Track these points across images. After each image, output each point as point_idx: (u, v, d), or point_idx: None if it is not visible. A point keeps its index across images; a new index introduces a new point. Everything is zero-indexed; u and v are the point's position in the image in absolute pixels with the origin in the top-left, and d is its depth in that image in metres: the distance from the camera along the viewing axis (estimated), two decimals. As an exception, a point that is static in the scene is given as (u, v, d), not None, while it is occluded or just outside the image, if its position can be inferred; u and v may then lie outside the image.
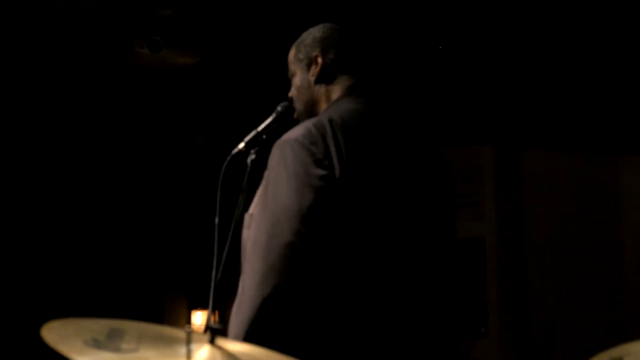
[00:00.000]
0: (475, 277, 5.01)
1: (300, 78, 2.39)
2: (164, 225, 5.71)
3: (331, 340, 2.03)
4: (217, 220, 2.31)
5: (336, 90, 2.32)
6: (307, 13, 4.33)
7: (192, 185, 5.81)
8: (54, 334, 1.41)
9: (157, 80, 5.48)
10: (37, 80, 5.21)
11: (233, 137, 2.68)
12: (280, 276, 1.98)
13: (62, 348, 1.37)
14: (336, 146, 2.09)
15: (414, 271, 2.16)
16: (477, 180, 5.16)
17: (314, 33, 2.40)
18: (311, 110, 2.36)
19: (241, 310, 2.04)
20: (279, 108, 2.43)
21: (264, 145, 2.38)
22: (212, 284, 2.26)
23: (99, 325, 1.45)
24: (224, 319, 2.19)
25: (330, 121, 2.14)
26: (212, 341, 1.46)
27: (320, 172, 2.06)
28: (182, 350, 1.44)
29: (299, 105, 2.40)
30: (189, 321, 5.62)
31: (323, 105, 2.33)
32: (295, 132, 2.14)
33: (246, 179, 2.31)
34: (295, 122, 2.43)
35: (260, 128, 2.39)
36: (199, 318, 5.58)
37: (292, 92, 2.42)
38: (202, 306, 5.59)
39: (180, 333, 1.51)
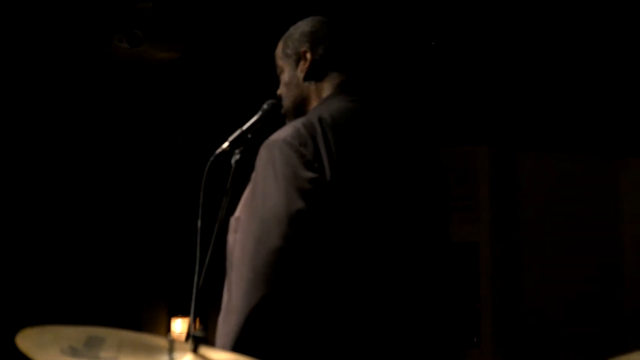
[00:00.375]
0: (468, 284, 5.02)
1: (288, 75, 2.38)
2: (143, 229, 5.69)
3: (321, 349, 2.04)
4: (199, 223, 2.31)
5: (326, 88, 2.31)
6: (296, 6, 4.33)
7: (172, 186, 5.80)
8: (29, 341, 1.40)
9: (136, 76, 5.46)
10: (9, 74, 5.19)
11: (216, 137, 2.68)
12: (269, 284, 1.98)
13: (38, 357, 1.37)
14: (326, 147, 2.08)
15: (407, 278, 2.16)
16: (472, 182, 5.17)
17: (302, 27, 2.39)
18: (300, 108, 2.35)
19: (229, 319, 2.03)
20: (265, 106, 2.42)
21: (249, 144, 2.38)
22: (194, 290, 2.25)
23: (77, 333, 1.45)
24: (205, 327, 2.19)
25: (320, 120, 2.12)
26: (194, 350, 1.47)
27: (310, 174, 2.04)
28: (164, 359, 1.44)
29: (287, 103, 2.39)
30: (168, 329, 5.60)
31: (313, 103, 2.32)
32: (283, 133, 2.12)
33: (230, 180, 2.31)
34: (282, 121, 2.43)
35: (245, 127, 2.38)
36: (179, 325, 5.57)
37: (281, 89, 2.41)
38: (183, 313, 5.58)
39: (161, 341, 1.51)
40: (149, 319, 5.63)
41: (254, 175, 2.15)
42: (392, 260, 2.13)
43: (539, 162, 5.29)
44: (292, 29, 2.41)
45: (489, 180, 5.17)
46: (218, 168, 2.35)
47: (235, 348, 1.97)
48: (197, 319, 2.24)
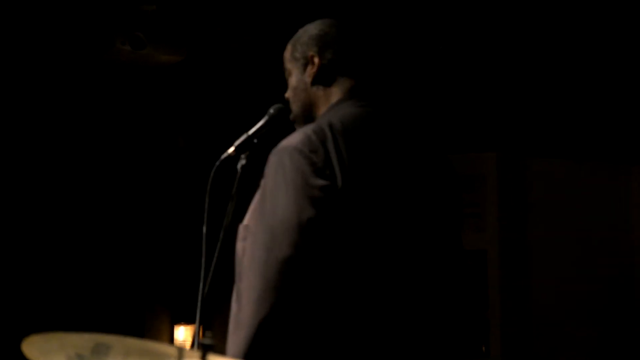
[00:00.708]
0: (476, 293, 5.02)
1: (296, 79, 2.37)
2: (145, 235, 5.69)
3: (332, 358, 2.04)
4: (205, 229, 2.32)
5: (335, 93, 2.30)
6: (302, 8, 4.33)
7: (173, 191, 5.80)
8: (35, 348, 1.41)
9: (139, 79, 5.47)
10: (10, 76, 5.19)
11: (219, 142, 2.69)
12: (279, 293, 1.98)
13: (45, 364, 1.38)
14: (337, 154, 2.07)
15: (417, 287, 2.15)
16: (480, 189, 5.17)
17: (311, 30, 2.37)
18: (308, 113, 2.35)
19: (239, 329, 2.03)
20: (271, 110, 2.42)
21: (255, 149, 2.38)
22: (200, 298, 2.26)
23: (84, 340, 1.45)
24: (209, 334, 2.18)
25: (331, 126, 2.11)
26: (203, 358, 1.47)
27: (321, 182, 2.04)
28: (171, 367, 1.44)
29: (295, 108, 2.38)
30: (171, 336, 5.61)
31: (321, 108, 2.31)
32: (293, 139, 2.11)
33: (236, 186, 2.32)
34: (289, 126, 2.43)
35: (251, 132, 2.39)
36: (182, 333, 5.58)
37: (289, 93, 2.41)
38: (186, 320, 5.58)
39: (167, 349, 1.51)
40: (151, 326, 5.64)
41: (263, 182, 2.14)
42: (403, 269, 2.13)
43: (548, 169, 5.28)
44: (300, 32, 2.40)
45: (497, 187, 5.17)
46: (223, 173, 2.36)
47: (246, 358, 1.97)
48: (201, 327, 2.25)
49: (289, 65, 2.40)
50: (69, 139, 5.42)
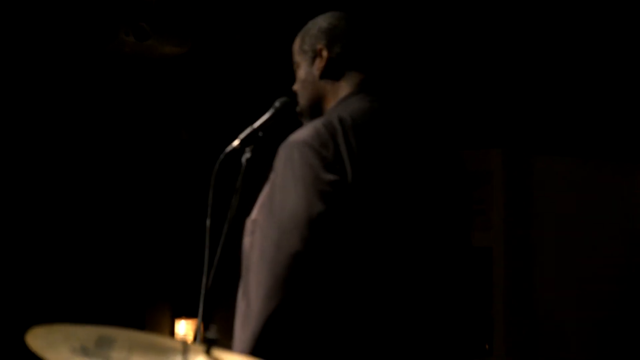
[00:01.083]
0: (480, 291, 5.02)
1: (304, 71, 2.37)
2: (147, 228, 5.70)
3: (340, 355, 2.04)
4: (208, 222, 2.32)
5: (344, 87, 2.30)
6: (307, 1, 4.34)
7: (176, 185, 5.81)
8: (39, 340, 1.41)
9: (142, 70, 5.47)
10: (13, 69, 5.20)
11: (224, 135, 2.69)
12: (288, 289, 1.98)
13: (49, 356, 1.38)
14: (348, 148, 2.07)
15: (426, 285, 2.16)
16: (485, 187, 5.17)
17: (320, 23, 2.38)
18: (316, 107, 2.35)
19: (247, 325, 2.03)
20: (276, 104, 2.42)
21: (260, 143, 2.38)
22: (203, 292, 2.27)
23: (88, 333, 1.46)
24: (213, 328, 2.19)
25: (341, 121, 2.12)
26: (208, 352, 1.48)
27: (331, 177, 2.04)
28: (176, 360, 1.45)
29: (302, 101, 2.39)
30: (172, 330, 5.62)
31: (329, 102, 2.32)
32: (303, 133, 2.12)
33: (240, 179, 2.32)
34: (294, 119, 2.44)
35: (256, 125, 2.39)
36: (183, 327, 5.59)
37: (296, 86, 2.41)
38: (187, 314, 5.59)
39: (172, 343, 1.52)
40: (152, 320, 5.65)
41: (272, 176, 2.14)
42: (411, 265, 2.13)
43: (554, 166, 5.28)
44: (310, 24, 2.41)
45: (503, 184, 5.16)
46: (228, 166, 2.36)
47: (254, 354, 1.98)
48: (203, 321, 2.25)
49: (297, 57, 2.41)
50: (71, 131, 5.42)
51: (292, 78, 2.47)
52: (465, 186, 2.31)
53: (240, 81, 5.61)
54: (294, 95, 2.43)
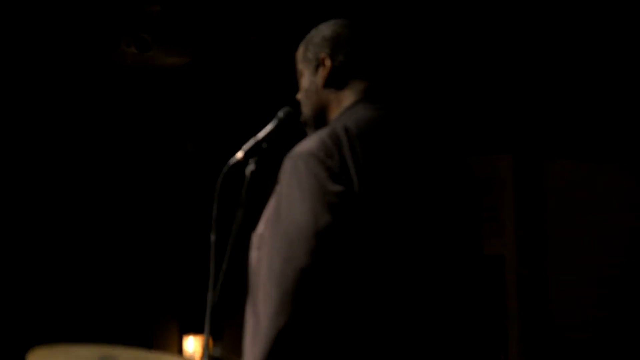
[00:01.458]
0: (494, 300, 5.00)
1: (307, 80, 2.37)
2: (153, 243, 5.70)
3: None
4: (213, 237, 2.31)
5: (348, 96, 2.30)
6: (310, 9, 4.34)
7: (182, 198, 5.81)
8: (40, 361, 1.41)
9: (144, 81, 5.48)
10: (16, 79, 5.21)
11: (227, 146, 2.69)
12: (297, 303, 1.96)
13: (50, 377, 1.38)
14: (354, 158, 2.06)
15: (437, 296, 2.14)
16: (496, 193, 5.15)
17: (323, 30, 2.38)
18: (320, 116, 2.35)
19: (257, 341, 2.01)
20: (280, 114, 2.41)
21: (264, 154, 2.38)
22: (209, 307, 2.25)
23: (89, 352, 1.45)
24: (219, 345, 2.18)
25: (346, 130, 2.11)
26: (212, 370, 1.47)
27: (337, 188, 2.03)
28: (180, 379, 1.45)
29: (306, 110, 2.39)
30: (180, 347, 5.61)
31: (333, 111, 2.32)
32: (308, 144, 2.10)
33: (245, 192, 2.31)
34: (298, 129, 2.43)
35: (259, 136, 2.38)
36: (191, 344, 5.58)
37: (300, 95, 2.41)
38: (194, 330, 5.58)
39: (176, 360, 1.52)
40: (160, 337, 5.64)
41: (277, 189, 2.13)
42: (421, 276, 2.12)
43: (565, 171, 5.27)
44: (313, 32, 2.40)
45: (514, 190, 5.15)
46: (231, 179, 2.35)
47: None
48: (210, 337, 2.24)
49: (300, 66, 2.41)
50: (74, 144, 5.43)
51: (296, 87, 2.46)
52: (474, 193, 2.29)
53: (243, 91, 5.61)
54: (297, 105, 2.43)
